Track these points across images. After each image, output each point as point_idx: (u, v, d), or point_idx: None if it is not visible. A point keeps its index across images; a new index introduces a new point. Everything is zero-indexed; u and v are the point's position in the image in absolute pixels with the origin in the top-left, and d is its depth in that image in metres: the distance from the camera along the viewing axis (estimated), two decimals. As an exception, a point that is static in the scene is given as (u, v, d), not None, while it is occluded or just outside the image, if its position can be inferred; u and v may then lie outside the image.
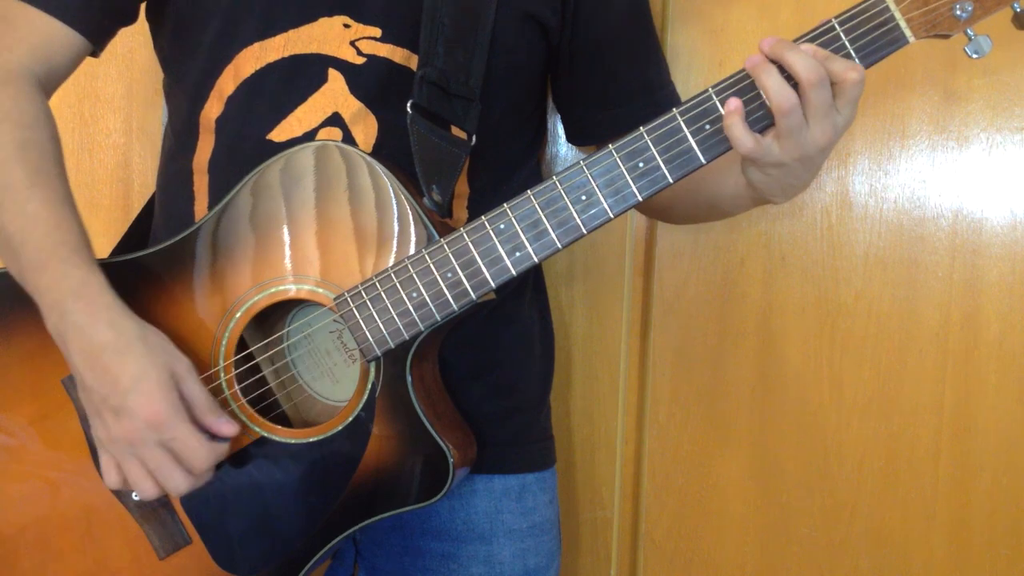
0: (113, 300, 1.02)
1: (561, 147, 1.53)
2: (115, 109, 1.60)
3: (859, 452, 1.51)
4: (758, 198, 1.11)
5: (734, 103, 0.97)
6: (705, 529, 1.58)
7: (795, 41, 0.97)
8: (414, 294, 1.04)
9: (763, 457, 1.54)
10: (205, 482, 1.05)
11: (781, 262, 1.51)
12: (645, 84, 1.29)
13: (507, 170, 1.25)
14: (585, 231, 1.02)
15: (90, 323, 1.00)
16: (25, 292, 1.03)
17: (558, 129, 1.47)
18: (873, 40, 0.95)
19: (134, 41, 1.56)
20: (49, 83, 1.13)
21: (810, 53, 0.95)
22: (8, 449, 1.12)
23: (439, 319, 1.05)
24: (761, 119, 0.98)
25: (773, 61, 0.96)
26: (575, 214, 1.02)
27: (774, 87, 0.95)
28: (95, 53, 1.17)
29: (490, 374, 1.25)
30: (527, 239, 1.03)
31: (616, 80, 1.28)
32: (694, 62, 1.50)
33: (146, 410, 0.98)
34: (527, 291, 1.31)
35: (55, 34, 1.11)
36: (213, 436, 1.02)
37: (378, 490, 1.09)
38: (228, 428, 1.03)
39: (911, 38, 0.96)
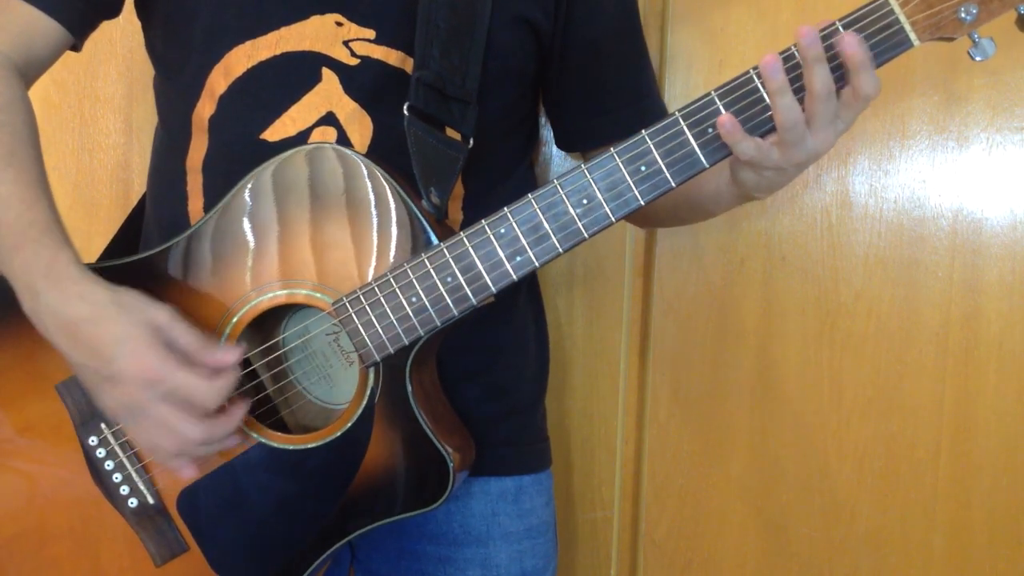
0: (81, 273, 1.00)
1: (555, 149, 1.52)
2: (115, 109, 1.60)
3: (859, 452, 1.51)
4: (742, 195, 1.10)
5: (724, 119, 0.96)
6: (705, 529, 1.58)
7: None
8: (414, 299, 1.03)
9: (763, 457, 1.54)
10: (226, 432, 1.02)
11: (781, 262, 1.51)
12: (633, 91, 1.28)
13: (502, 171, 1.24)
14: (586, 235, 1.01)
15: (61, 300, 0.99)
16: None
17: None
18: (878, 43, 0.94)
19: (134, 41, 1.55)
20: (28, 72, 1.12)
21: (855, 43, 0.92)
22: (1, 455, 1.11)
23: (439, 324, 1.04)
24: (764, 123, 0.97)
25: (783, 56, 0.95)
26: (576, 218, 1.01)
27: (782, 105, 0.95)
28: (75, 47, 1.16)
29: (485, 376, 1.24)
30: (528, 243, 1.02)
31: (605, 86, 1.27)
32: (694, 62, 1.50)
33: (135, 369, 0.96)
34: (521, 293, 1.30)
35: (36, 24, 1.11)
36: (215, 372, 0.99)
37: (377, 496, 1.08)
38: (230, 356, 1.00)
39: (916, 41, 0.94)
